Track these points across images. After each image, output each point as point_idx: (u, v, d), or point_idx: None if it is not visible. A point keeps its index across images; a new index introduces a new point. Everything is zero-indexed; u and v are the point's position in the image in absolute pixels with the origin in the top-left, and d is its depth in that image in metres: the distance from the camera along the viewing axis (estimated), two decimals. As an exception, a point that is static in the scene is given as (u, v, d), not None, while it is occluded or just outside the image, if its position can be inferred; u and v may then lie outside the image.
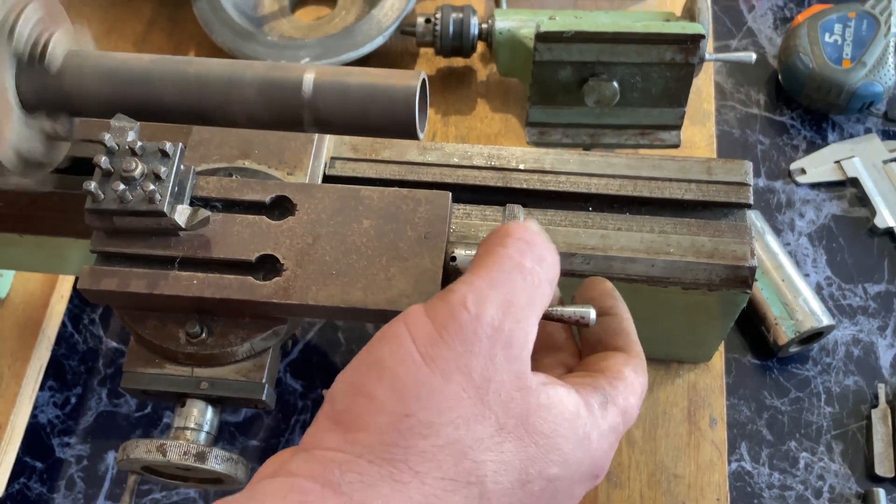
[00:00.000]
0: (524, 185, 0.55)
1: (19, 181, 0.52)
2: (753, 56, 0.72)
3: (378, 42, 0.77)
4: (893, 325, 0.75)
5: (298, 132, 0.53)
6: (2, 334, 0.70)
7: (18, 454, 0.68)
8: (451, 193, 0.49)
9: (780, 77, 0.86)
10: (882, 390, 0.71)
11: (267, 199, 0.48)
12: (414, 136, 0.45)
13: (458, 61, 0.81)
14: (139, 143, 0.45)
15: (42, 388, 0.71)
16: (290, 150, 0.54)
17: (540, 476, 0.36)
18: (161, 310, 0.47)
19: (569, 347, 0.45)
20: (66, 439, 0.70)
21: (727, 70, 0.88)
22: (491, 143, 0.78)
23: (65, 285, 0.73)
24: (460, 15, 0.75)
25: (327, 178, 0.55)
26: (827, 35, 0.82)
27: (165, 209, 0.44)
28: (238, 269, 0.47)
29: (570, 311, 0.42)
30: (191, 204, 0.47)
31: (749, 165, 0.56)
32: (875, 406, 0.71)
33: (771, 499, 0.68)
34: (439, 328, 0.35)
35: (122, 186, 0.44)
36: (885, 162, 0.81)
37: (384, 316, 0.45)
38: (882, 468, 0.68)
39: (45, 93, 0.45)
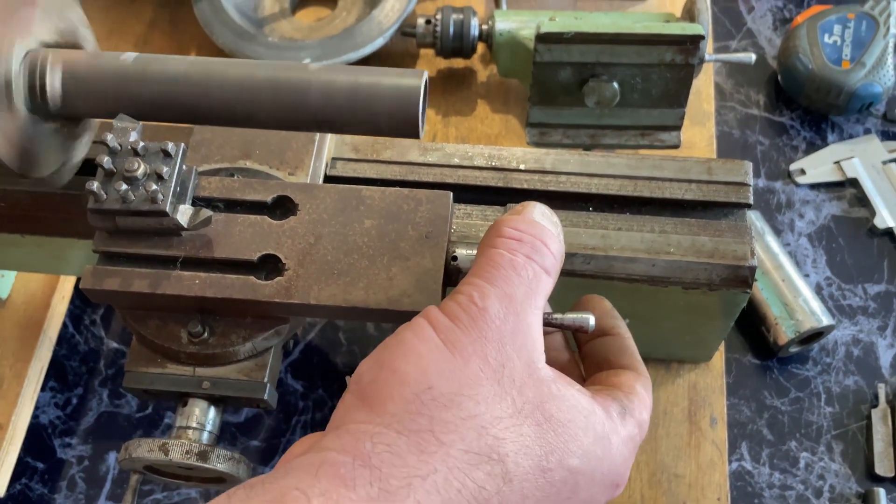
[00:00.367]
0: (525, 186, 0.56)
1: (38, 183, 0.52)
2: (753, 57, 0.72)
3: (378, 43, 0.77)
4: (893, 325, 0.75)
5: (301, 132, 0.53)
6: (3, 335, 0.70)
7: (20, 455, 0.68)
8: (452, 193, 0.49)
9: (779, 78, 0.86)
10: (882, 390, 0.71)
11: (269, 199, 0.49)
12: (415, 135, 0.45)
13: (458, 62, 0.81)
14: (141, 144, 0.45)
15: (43, 388, 0.71)
16: (292, 151, 0.54)
17: (560, 465, 0.37)
18: (163, 310, 0.48)
19: (574, 370, 0.46)
20: (67, 440, 0.70)
21: (727, 71, 0.89)
22: (491, 144, 0.78)
23: (66, 286, 0.73)
24: (460, 16, 0.76)
25: (328, 179, 0.55)
26: (826, 36, 0.82)
27: (168, 209, 0.44)
28: (240, 269, 0.47)
29: (570, 318, 0.43)
30: (193, 204, 0.47)
31: (749, 166, 0.56)
32: (875, 406, 0.71)
33: (771, 498, 0.69)
34: (454, 319, 0.37)
35: (124, 186, 0.44)
36: (884, 162, 0.82)
37: (386, 315, 0.46)
38: (882, 468, 0.68)
39: (53, 112, 0.45)
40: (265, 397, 0.48)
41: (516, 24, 0.74)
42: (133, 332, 0.49)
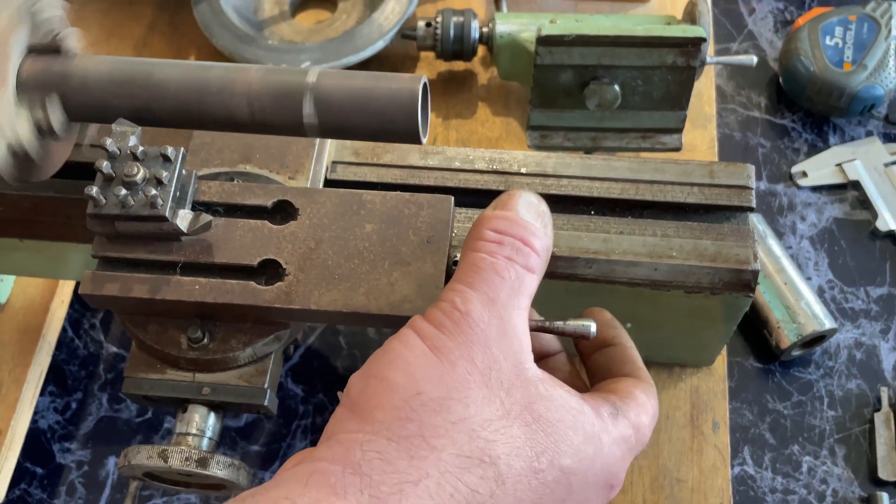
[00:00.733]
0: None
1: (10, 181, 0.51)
2: (754, 59, 0.72)
3: (379, 46, 0.77)
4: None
5: (300, 137, 0.53)
6: (2, 340, 0.70)
7: (19, 460, 0.67)
8: (453, 198, 0.49)
9: (780, 80, 0.85)
10: (885, 394, 0.71)
11: (269, 203, 0.48)
12: (417, 141, 0.45)
13: (458, 65, 0.81)
14: (141, 148, 0.45)
15: (42, 393, 0.71)
16: (292, 155, 0.54)
17: (552, 465, 0.37)
18: (163, 315, 0.47)
19: (575, 381, 0.46)
20: (66, 445, 0.70)
21: (728, 73, 0.88)
22: (492, 147, 0.77)
23: (65, 290, 0.73)
24: (461, 19, 0.75)
25: (329, 183, 0.55)
26: (828, 38, 0.82)
27: (167, 214, 0.44)
28: (240, 274, 0.47)
29: (571, 325, 0.43)
30: (192, 208, 0.47)
31: (751, 169, 0.56)
32: (878, 409, 0.71)
33: (774, 503, 0.68)
34: (438, 326, 0.38)
35: (123, 191, 0.44)
36: (886, 165, 0.81)
37: (387, 321, 0.45)
38: (885, 472, 0.68)
39: (48, 73, 0.45)
40: (266, 403, 0.47)
41: (517, 26, 0.74)
42: (132, 337, 0.48)
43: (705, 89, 0.79)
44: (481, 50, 0.79)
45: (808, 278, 0.76)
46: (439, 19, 0.75)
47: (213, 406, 0.48)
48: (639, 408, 0.42)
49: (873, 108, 0.82)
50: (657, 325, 0.59)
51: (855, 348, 0.74)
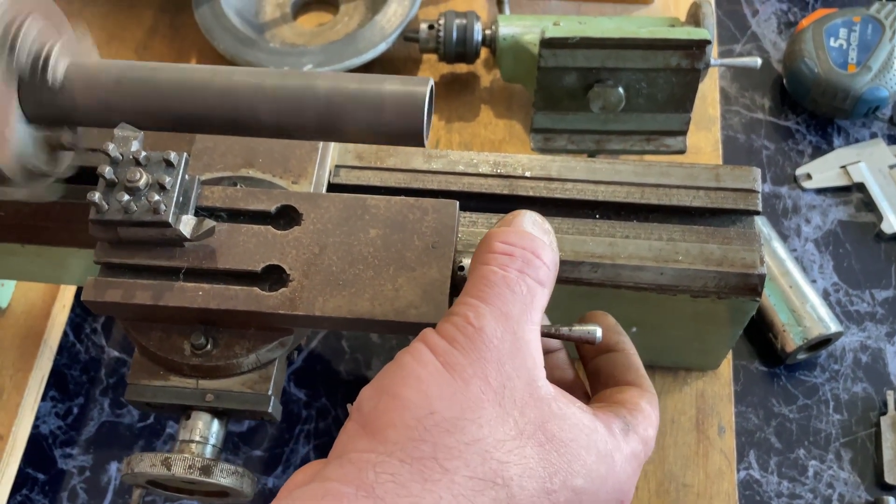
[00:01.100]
0: (531, 193, 0.55)
1: (24, 193, 0.51)
2: (759, 61, 0.71)
3: (381, 48, 0.77)
4: (901, 331, 0.74)
5: (305, 140, 0.52)
6: (3, 345, 0.69)
7: (20, 465, 0.67)
8: (458, 203, 0.49)
9: (784, 82, 0.85)
10: (891, 397, 0.71)
11: (272, 208, 0.48)
12: (420, 144, 0.45)
13: (461, 67, 0.81)
14: (143, 153, 0.44)
15: (44, 398, 0.70)
16: (295, 159, 0.53)
17: (564, 486, 0.36)
18: (166, 321, 0.47)
19: (579, 388, 0.46)
20: (68, 450, 0.69)
21: (731, 75, 0.88)
22: (495, 150, 0.77)
23: (66, 295, 0.73)
24: (464, 21, 0.75)
25: (332, 187, 0.55)
26: (832, 39, 0.81)
27: (170, 220, 0.44)
28: (244, 280, 0.46)
29: (577, 330, 0.42)
30: (196, 214, 0.46)
31: (757, 172, 0.56)
32: (884, 413, 0.70)
33: (780, 507, 0.68)
34: (451, 341, 0.37)
35: (126, 197, 0.43)
36: (891, 167, 0.81)
37: (392, 327, 0.45)
38: (892, 476, 0.68)
39: (47, 105, 0.45)
40: (269, 410, 0.47)
41: (520, 28, 0.74)
42: (135, 343, 0.48)
43: (709, 91, 0.79)
44: (484, 52, 0.79)
45: (813, 281, 0.76)
46: (442, 21, 0.75)
47: (216, 413, 0.48)
48: (646, 420, 0.41)
49: (878, 109, 0.81)
50: (662, 329, 0.59)
51: (861, 351, 0.73)
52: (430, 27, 0.76)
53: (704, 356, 0.65)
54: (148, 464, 0.45)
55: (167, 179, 0.44)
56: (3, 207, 0.54)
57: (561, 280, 0.51)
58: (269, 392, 0.47)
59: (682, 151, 0.69)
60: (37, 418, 0.69)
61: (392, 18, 0.78)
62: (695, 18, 0.71)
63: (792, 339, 0.70)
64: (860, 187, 0.81)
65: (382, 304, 0.45)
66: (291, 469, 0.68)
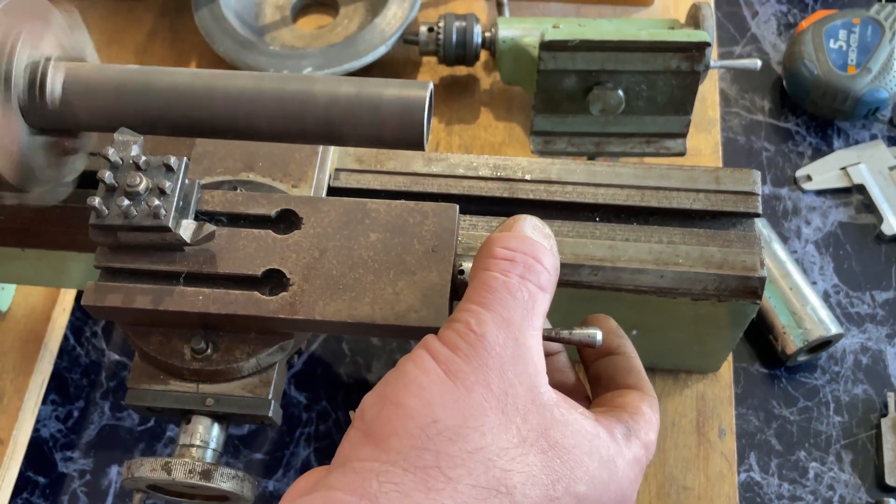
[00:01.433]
0: (531, 196, 0.55)
1: (35, 197, 0.51)
2: (759, 63, 0.71)
3: (381, 51, 0.77)
4: (902, 333, 0.74)
5: (305, 144, 0.52)
6: (3, 348, 0.69)
7: (21, 469, 0.67)
8: (458, 206, 0.49)
9: (784, 83, 0.85)
10: (892, 399, 0.71)
11: (272, 212, 0.48)
12: (420, 148, 0.45)
13: (461, 70, 0.81)
14: (143, 158, 0.44)
15: (44, 401, 0.70)
16: (295, 163, 0.53)
17: (567, 493, 0.36)
18: (166, 325, 0.47)
19: (580, 391, 0.46)
20: (68, 454, 0.69)
21: (731, 76, 0.88)
22: (495, 152, 0.77)
23: (67, 298, 0.73)
24: (463, 23, 0.75)
25: (332, 190, 0.55)
26: (832, 41, 0.81)
27: (170, 224, 0.44)
28: (244, 284, 0.46)
29: (577, 333, 0.42)
30: (196, 218, 0.46)
31: (757, 175, 0.56)
32: (885, 415, 0.70)
33: (781, 509, 0.68)
34: (453, 348, 0.37)
35: (126, 202, 0.43)
36: (891, 168, 0.81)
37: (393, 331, 0.45)
38: (892, 478, 0.68)
39: (49, 119, 0.45)
40: (270, 414, 0.47)
41: (520, 31, 0.74)
42: (135, 348, 0.48)
43: (709, 93, 0.79)
44: (484, 55, 0.79)
45: (814, 283, 0.76)
46: (441, 24, 0.75)
47: (216, 417, 0.48)
48: (647, 424, 0.41)
49: (878, 111, 0.81)
50: (663, 331, 0.59)
51: (861, 353, 0.73)
52: (430, 30, 0.76)
53: (705, 358, 0.65)
54: (148, 468, 0.45)
55: (167, 184, 0.44)
56: (3, 211, 0.54)
57: (561, 283, 0.51)
58: (270, 396, 0.47)
59: (682, 154, 0.69)
60: (37, 422, 0.69)
61: (392, 21, 0.78)
62: (694, 20, 0.71)
63: (792, 341, 0.70)
64: (860, 189, 0.81)
65: (383, 308, 0.45)
66: (292, 472, 0.68)
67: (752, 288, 0.52)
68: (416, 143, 0.44)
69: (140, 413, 0.49)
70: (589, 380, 0.47)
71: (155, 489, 0.48)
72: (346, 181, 0.55)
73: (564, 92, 0.67)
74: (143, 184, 0.44)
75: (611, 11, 0.83)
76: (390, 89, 0.44)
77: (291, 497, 0.36)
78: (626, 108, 0.67)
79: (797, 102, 0.85)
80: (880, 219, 0.79)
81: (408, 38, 0.77)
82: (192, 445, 0.47)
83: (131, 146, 0.45)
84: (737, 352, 0.73)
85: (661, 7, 0.84)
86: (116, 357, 0.73)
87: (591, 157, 0.70)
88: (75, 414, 0.71)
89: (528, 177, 0.55)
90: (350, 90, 0.44)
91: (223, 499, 0.48)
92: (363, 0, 0.83)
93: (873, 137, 0.84)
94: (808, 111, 0.84)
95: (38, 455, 0.69)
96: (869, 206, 0.80)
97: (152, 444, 0.69)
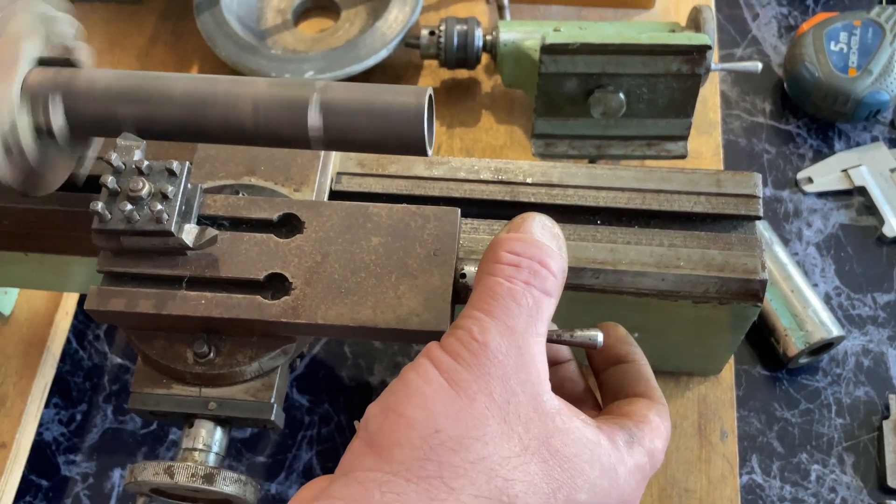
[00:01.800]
0: (532, 199, 0.55)
1: (22, 200, 0.52)
2: (759, 66, 0.72)
3: (382, 55, 0.77)
4: (903, 335, 0.74)
5: (305, 149, 0.52)
6: (6, 352, 0.70)
7: (24, 472, 0.67)
8: (459, 210, 0.49)
9: (785, 86, 0.85)
10: (893, 401, 0.71)
11: (275, 216, 0.48)
12: (423, 153, 0.45)
13: (462, 73, 0.81)
14: (146, 163, 0.45)
15: (47, 405, 0.71)
16: (297, 167, 0.53)
17: (568, 501, 0.36)
18: (169, 330, 0.47)
19: (589, 399, 0.46)
20: (71, 457, 0.69)
21: (732, 79, 0.88)
22: (496, 155, 0.77)
23: (69, 302, 0.73)
24: (464, 27, 0.75)
25: (334, 194, 0.55)
26: (832, 43, 0.81)
27: (173, 229, 0.44)
28: (246, 289, 0.46)
29: (578, 335, 0.42)
30: (198, 223, 0.46)
31: (758, 178, 0.56)
32: (886, 417, 0.70)
33: (783, 512, 0.68)
34: (455, 357, 0.37)
35: (129, 206, 0.44)
36: (892, 170, 0.81)
37: (394, 335, 0.45)
38: (894, 480, 0.68)
39: (51, 81, 0.45)
40: (272, 418, 0.47)
41: (521, 34, 0.74)
42: (138, 352, 0.48)
43: (710, 96, 0.79)
44: (485, 58, 0.79)
45: (815, 285, 0.76)
46: (442, 28, 0.75)
47: (219, 421, 0.48)
48: (653, 432, 0.41)
49: (879, 113, 0.81)
50: (664, 334, 0.59)
51: (863, 355, 0.74)
52: (431, 33, 0.76)
53: (706, 361, 0.65)
54: (151, 472, 0.45)
55: (170, 189, 0.44)
56: (7, 216, 0.54)
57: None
58: (272, 400, 0.47)
59: (683, 156, 0.69)
60: (40, 425, 0.70)
61: (393, 24, 0.78)
62: (695, 23, 0.71)
63: (794, 344, 0.70)
64: (861, 191, 0.81)
65: (384, 312, 0.45)
66: (294, 475, 0.68)
67: (753, 291, 0.52)
68: (418, 149, 0.44)
69: (143, 417, 0.49)
70: (599, 388, 0.47)
71: (158, 493, 0.48)
72: (348, 185, 0.55)
73: (565, 95, 0.67)
74: (145, 188, 0.44)
75: (612, 14, 0.84)
76: (390, 95, 0.44)
77: None
78: (627, 111, 0.67)
79: (798, 105, 0.85)
80: (881, 221, 0.79)
81: (409, 41, 0.77)
82: (195, 449, 0.47)
83: (134, 151, 0.45)
84: (738, 354, 0.73)
85: (662, 10, 0.84)
86: (119, 360, 0.73)
87: (593, 160, 0.70)
88: (78, 417, 0.71)
89: (529, 180, 0.56)
90: (351, 95, 0.44)
91: (226, 502, 0.48)
92: (364, 4, 0.83)
93: (874, 139, 0.84)
94: (809, 113, 0.85)
95: (41, 458, 0.69)
96: (870, 208, 0.80)
97: (155, 448, 0.69)
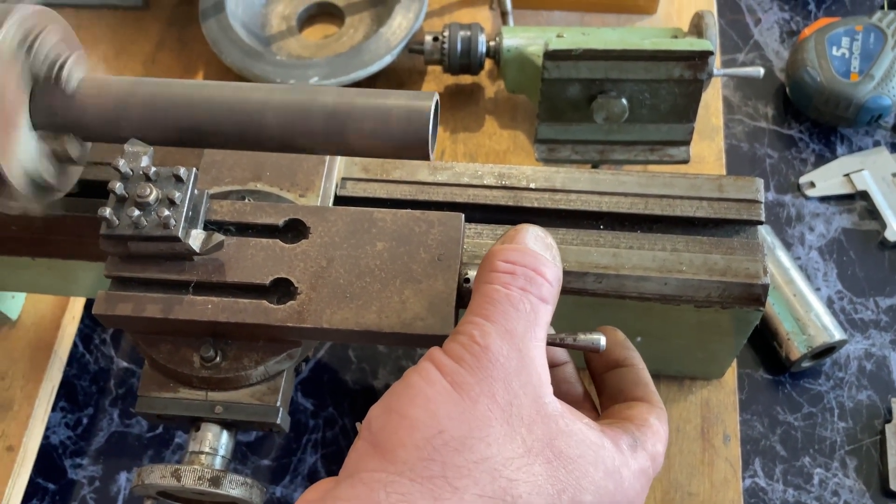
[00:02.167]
0: (535, 204, 0.55)
1: (28, 207, 0.52)
2: (762, 71, 0.72)
3: (386, 61, 0.77)
4: (906, 339, 0.75)
5: (311, 155, 0.53)
6: (14, 356, 0.70)
7: (31, 476, 0.68)
8: (463, 215, 0.49)
9: (787, 90, 0.86)
10: (895, 405, 0.71)
11: (280, 222, 0.49)
12: (425, 157, 0.45)
13: (466, 79, 0.81)
14: (153, 169, 0.45)
15: (54, 409, 0.71)
16: (302, 172, 0.54)
17: (573, 502, 0.37)
18: (175, 334, 0.48)
19: (587, 402, 0.46)
20: (78, 460, 0.70)
21: (734, 84, 0.88)
22: (499, 160, 0.78)
23: (76, 306, 0.73)
24: (468, 33, 0.76)
25: (339, 199, 0.55)
26: (834, 48, 0.82)
27: (180, 234, 0.44)
28: (252, 293, 0.47)
29: (581, 339, 0.43)
30: (205, 228, 0.47)
31: (760, 183, 0.56)
32: (889, 421, 0.70)
33: (785, 515, 0.68)
34: (458, 360, 0.37)
35: (136, 212, 0.44)
36: (894, 175, 0.81)
37: (399, 339, 0.46)
38: (897, 483, 0.68)
39: (57, 112, 0.45)
40: (278, 421, 0.48)
41: (524, 40, 0.74)
42: (145, 356, 0.49)
43: (712, 101, 0.80)
44: (488, 63, 0.79)
45: (818, 289, 0.76)
46: (446, 34, 0.76)
47: (225, 424, 0.48)
48: (655, 436, 0.42)
49: (881, 118, 0.82)
50: (667, 338, 0.59)
51: (865, 359, 0.74)
52: (435, 39, 0.76)
53: (709, 365, 0.65)
54: (158, 475, 0.45)
55: (177, 194, 0.45)
56: (15, 222, 0.55)
57: (565, 290, 0.51)
58: (278, 404, 0.48)
59: (685, 161, 0.70)
60: (47, 429, 0.70)
61: (397, 31, 0.78)
62: (697, 29, 0.71)
63: (796, 348, 0.71)
64: (863, 195, 0.81)
65: (389, 317, 0.45)
66: (299, 478, 0.69)
67: (755, 295, 0.52)
68: (421, 154, 0.45)
69: (150, 420, 0.49)
70: (597, 392, 0.47)
71: (164, 496, 0.49)
72: (353, 190, 0.56)
73: (568, 100, 0.67)
74: (152, 194, 0.45)
75: (614, 20, 0.84)
76: (396, 100, 0.44)
77: None
78: (629, 117, 0.67)
79: (800, 109, 0.85)
80: (884, 225, 0.79)
81: (413, 47, 0.78)
82: (202, 452, 0.47)
83: (141, 157, 0.45)
84: (741, 358, 0.73)
85: (665, 16, 0.84)
86: (125, 364, 0.74)
87: (595, 165, 0.71)
88: (84, 421, 0.71)
89: (532, 185, 0.56)
90: (356, 101, 0.45)
91: (232, 505, 0.49)
92: (368, 10, 0.84)
93: (876, 144, 0.84)
94: (812, 118, 0.85)
95: (48, 462, 0.70)
96: (872, 213, 0.80)
97: (161, 451, 0.70)
